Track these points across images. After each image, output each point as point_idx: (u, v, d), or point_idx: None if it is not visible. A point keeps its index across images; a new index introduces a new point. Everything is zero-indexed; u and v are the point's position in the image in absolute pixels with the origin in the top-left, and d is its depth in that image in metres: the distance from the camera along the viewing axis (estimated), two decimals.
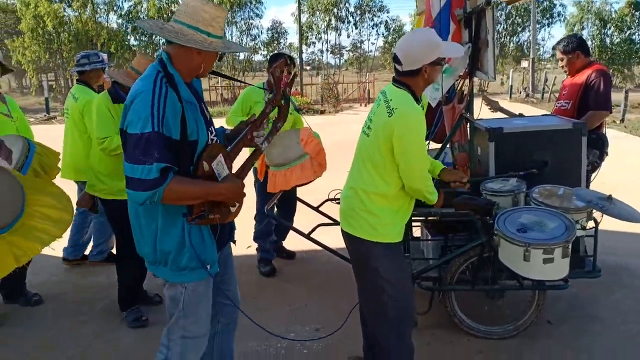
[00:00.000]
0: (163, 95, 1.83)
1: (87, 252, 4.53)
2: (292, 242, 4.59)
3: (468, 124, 3.22)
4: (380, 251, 2.35)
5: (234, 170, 2.10)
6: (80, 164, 3.98)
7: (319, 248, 3.42)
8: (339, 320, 3.38)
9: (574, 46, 4.07)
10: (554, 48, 4.22)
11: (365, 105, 21.61)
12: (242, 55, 34.80)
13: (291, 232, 4.38)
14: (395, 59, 2.29)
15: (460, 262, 3.04)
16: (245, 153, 2.30)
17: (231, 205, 2.05)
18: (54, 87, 27.80)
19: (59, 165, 3.17)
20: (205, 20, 1.90)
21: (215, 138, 2.11)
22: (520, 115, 4.44)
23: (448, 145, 3.46)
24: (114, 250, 4.47)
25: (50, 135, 3.76)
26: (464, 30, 3.20)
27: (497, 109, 4.39)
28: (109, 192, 3.37)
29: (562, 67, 4.22)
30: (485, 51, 2.85)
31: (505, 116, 4.45)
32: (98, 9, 28.37)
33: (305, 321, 3.46)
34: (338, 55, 39.05)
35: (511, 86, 23.42)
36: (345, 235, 2.47)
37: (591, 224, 2.87)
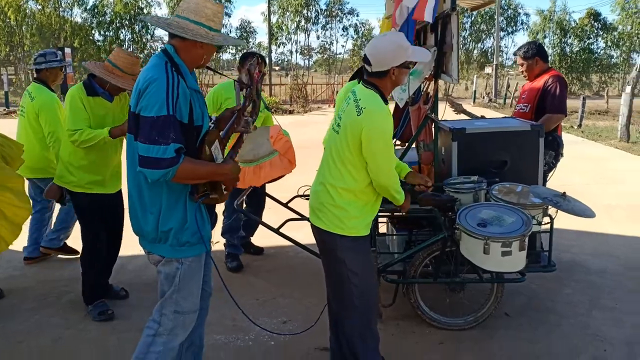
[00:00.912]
0: (176, 82, 2.01)
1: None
2: (261, 238, 4.64)
3: (433, 124, 3.35)
4: (347, 244, 2.44)
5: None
6: (35, 161, 3.95)
7: (287, 244, 3.49)
8: (306, 313, 3.48)
9: (533, 52, 4.26)
10: (514, 54, 4.41)
11: (333, 106, 21.78)
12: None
13: (259, 229, 4.45)
14: (365, 60, 2.38)
15: (423, 256, 3.15)
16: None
17: (226, 187, 2.22)
18: (14, 81, 26.91)
19: (22, 157, 3.14)
20: (208, 16, 2.07)
21: (212, 125, 2.25)
22: (482, 117, 4.63)
23: (413, 145, 3.58)
24: (69, 242, 4.45)
25: (11, 129, 3.68)
26: (430, 35, 3.33)
27: (461, 111, 4.56)
28: (77, 185, 3.34)
29: (522, 72, 4.42)
30: (450, 55, 2.98)
31: (468, 118, 4.63)
32: (62, 3, 27.60)
33: (273, 314, 3.51)
34: (307, 57, 39.20)
35: (475, 91, 24.02)
36: (315, 229, 2.55)
37: (547, 219, 3.03)
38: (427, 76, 3.36)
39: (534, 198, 2.88)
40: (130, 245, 3.66)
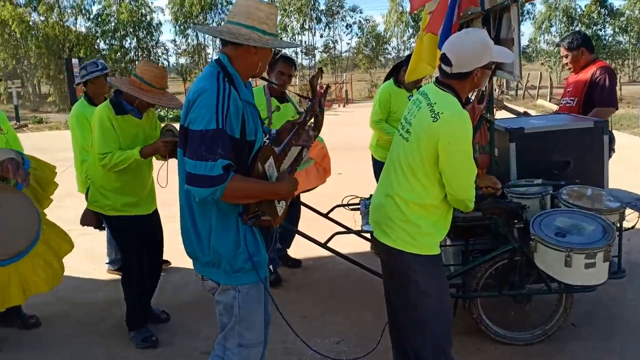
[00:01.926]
0: (227, 93, 1.87)
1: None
2: (297, 250, 4.46)
3: (487, 124, 3.15)
4: (420, 263, 2.24)
5: None
6: None
7: (324, 255, 3.30)
8: (359, 332, 3.29)
9: (578, 43, 4.05)
10: (557, 45, 4.21)
11: (344, 106, 21.58)
12: (215, 57, 34.42)
13: (296, 239, 4.26)
14: (444, 60, 2.16)
15: (486, 268, 2.95)
16: None
17: (279, 208, 2.05)
18: (21, 94, 26.91)
19: (56, 180, 2.96)
20: (260, 19, 1.93)
21: (267, 140, 2.09)
22: (526, 113, 4.41)
23: None
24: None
25: (25, 144, 3.49)
26: (481, 28, 3.12)
27: (501, 108, 4.34)
28: (112, 208, 3.15)
29: (566, 64, 4.20)
30: (510, 50, 2.77)
31: (511, 115, 4.41)
32: (65, 13, 27.56)
33: (323, 333, 3.32)
34: (310, 56, 39.02)
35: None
36: (380, 246, 2.35)
37: None
38: None
39: (610, 202, 2.67)
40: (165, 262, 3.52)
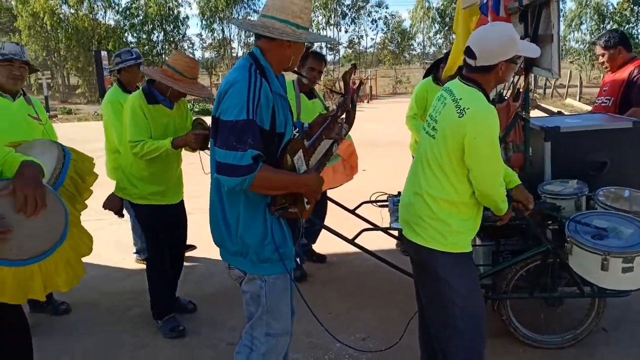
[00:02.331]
0: (258, 85, 1.88)
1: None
2: (321, 245, 4.45)
3: (522, 122, 3.08)
4: (451, 261, 2.21)
5: None
6: None
7: (350, 251, 3.28)
8: (386, 329, 3.28)
9: (615, 41, 3.94)
10: (593, 43, 4.11)
11: (368, 102, 21.49)
12: (239, 51, 34.60)
13: (321, 235, 4.26)
14: (469, 53, 2.14)
15: (517, 269, 2.90)
16: None
17: (308, 201, 2.05)
18: (51, 85, 27.46)
19: (95, 170, 3.00)
20: (294, 12, 1.94)
21: (297, 133, 2.10)
22: (559, 112, 4.31)
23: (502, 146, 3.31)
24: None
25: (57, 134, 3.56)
26: (519, 25, 3.05)
27: (535, 107, 4.25)
28: (139, 196, 3.21)
29: (603, 63, 4.09)
30: (548, 46, 2.71)
31: (544, 114, 4.32)
32: (95, 6, 28.02)
33: (349, 330, 3.31)
34: (335, 52, 38.92)
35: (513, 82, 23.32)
36: (410, 244, 2.32)
37: None
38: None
39: None
40: (189, 254, 3.55)
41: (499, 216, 2.33)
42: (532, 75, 3.39)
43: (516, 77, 3.07)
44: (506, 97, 3.11)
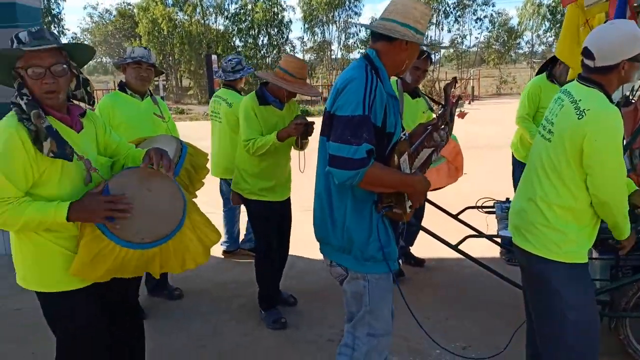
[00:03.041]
0: (374, 84, 1.93)
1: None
2: (419, 249, 4.40)
3: None
4: (564, 272, 2.09)
5: None
6: (228, 162, 4.16)
7: (450, 256, 3.19)
8: (488, 339, 3.17)
9: None
10: None
11: (470, 103, 20.79)
12: (338, 54, 35.02)
13: (419, 238, 4.20)
14: (587, 53, 2.03)
15: (639, 286, 2.67)
16: None
17: (411, 203, 2.05)
18: (166, 86, 29.69)
19: (208, 165, 3.24)
20: (415, 18, 1.98)
21: (404, 136, 2.11)
22: None
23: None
24: None
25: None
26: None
27: None
28: (250, 192, 3.39)
29: None
30: None
31: None
32: (207, 12, 29.86)
33: (449, 337, 3.24)
34: (435, 51, 38.02)
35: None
36: (521, 252, 2.24)
37: None
38: None
39: None
40: (290, 250, 3.69)
41: (620, 242, 2.18)
42: None
43: None
44: (633, 101, 2.87)
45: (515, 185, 4.41)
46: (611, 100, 2.04)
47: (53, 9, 30.25)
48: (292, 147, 3.40)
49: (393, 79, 3.98)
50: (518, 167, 4.35)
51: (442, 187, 4.04)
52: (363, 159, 1.83)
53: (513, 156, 4.47)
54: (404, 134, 2.33)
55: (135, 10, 31.95)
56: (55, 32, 2.92)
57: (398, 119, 2.07)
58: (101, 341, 2.12)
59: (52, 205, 1.83)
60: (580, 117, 1.96)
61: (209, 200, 3.78)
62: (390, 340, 2.22)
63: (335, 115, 1.94)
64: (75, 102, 2.08)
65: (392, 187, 1.97)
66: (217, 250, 4.82)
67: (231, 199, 3.64)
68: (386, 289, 2.13)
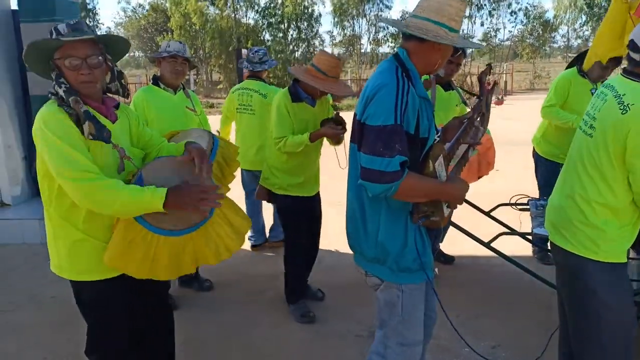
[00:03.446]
0: (406, 89, 1.84)
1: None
2: (449, 245, 4.34)
3: None
4: (602, 271, 2.03)
5: None
6: (254, 154, 4.24)
7: (479, 254, 3.13)
8: (518, 338, 3.12)
9: None
10: None
11: (502, 98, 20.32)
12: (368, 47, 34.79)
13: (448, 234, 4.15)
14: (633, 47, 1.95)
15: None
16: None
17: (449, 206, 1.99)
18: (197, 80, 30.06)
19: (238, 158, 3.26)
20: (450, 15, 1.87)
21: (437, 138, 2.04)
22: None
23: None
24: None
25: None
26: None
27: None
28: (280, 187, 3.40)
29: None
30: None
31: None
32: (238, 6, 30.07)
33: (478, 336, 3.20)
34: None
35: None
36: (557, 250, 2.18)
37: None
38: None
39: None
40: (320, 244, 3.69)
41: None
42: None
43: None
44: None
45: (539, 182, 4.31)
46: None
47: (88, 3, 30.99)
48: (329, 143, 3.40)
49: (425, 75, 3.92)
50: (540, 163, 4.24)
51: (473, 182, 3.97)
52: (397, 172, 1.76)
53: (534, 151, 4.33)
54: (437, 134, 2.28)
55: (167, 5, 32.42)
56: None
57: (432, 123, 2.00)
58: (132, 330, 2.16)
59: (147, 190, 1.82)
60: (624, 112, 1.89)
61: (229, 193, 3.80)
62: (421, 350, 2.18)
63: (366, 124, 1.86)
64: (110, 95, 2.12)
65: (429, 197, 1.90)
66: (246, 244, 4.86)
67: (257, 193, 3.64)
68: (420, 299, 2.07)
